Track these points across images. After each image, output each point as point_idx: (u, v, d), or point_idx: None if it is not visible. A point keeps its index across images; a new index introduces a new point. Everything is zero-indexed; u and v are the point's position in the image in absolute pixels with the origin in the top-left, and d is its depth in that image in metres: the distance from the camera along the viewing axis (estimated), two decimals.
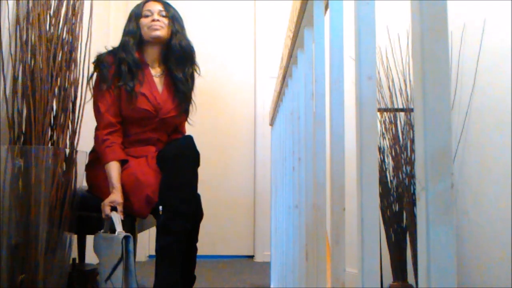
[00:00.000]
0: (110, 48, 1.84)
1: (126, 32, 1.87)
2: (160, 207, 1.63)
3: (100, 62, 1.80)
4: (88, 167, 1.85)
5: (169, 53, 1.89)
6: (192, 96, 1.96)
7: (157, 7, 1.87)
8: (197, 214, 1.78)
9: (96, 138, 1.79)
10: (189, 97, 1.94)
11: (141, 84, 1.81)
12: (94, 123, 1.85)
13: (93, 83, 1.82)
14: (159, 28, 1.83)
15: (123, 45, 1.84)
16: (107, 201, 1.63)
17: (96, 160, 1.84)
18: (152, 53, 1.90)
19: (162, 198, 1.63)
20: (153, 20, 1.83)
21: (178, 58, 1.88)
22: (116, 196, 1.65)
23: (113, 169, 1.71)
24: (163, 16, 1.86)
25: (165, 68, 1.92)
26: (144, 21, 1.85)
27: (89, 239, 2.04)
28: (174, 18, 1.88)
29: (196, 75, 1.98)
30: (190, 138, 1.74)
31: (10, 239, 1.51)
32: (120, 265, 1.53)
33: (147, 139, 1.84)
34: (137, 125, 1.84)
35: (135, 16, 1.87)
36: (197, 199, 1.77)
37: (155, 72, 1.90)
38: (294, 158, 1.02)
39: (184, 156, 1.67)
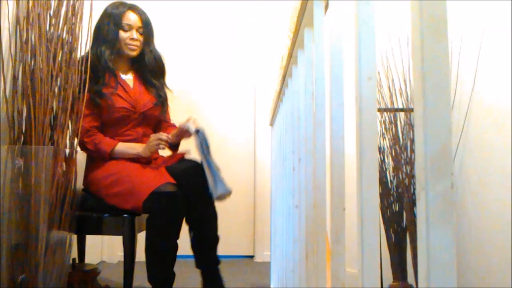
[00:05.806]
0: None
1: (103, 40, 1.87)
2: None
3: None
4: (86, 167, 1.86)
5: (141, 64, 1.97)
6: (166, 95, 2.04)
7: (137, 22, 1.91)
8: (210, 237, 1.97)
9: (81, 146, 1.83)
10: (164, 91, 2.01)
11: (113, 88, 1.86)
12: None
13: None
14: (135, 49, 1.92)
15: (99, 55, 1.85)
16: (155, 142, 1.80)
17: (93, 159, 1.85)
18: (123, 62, 1.97)
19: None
20: (132, 39, 1.89)
21: (153, 69, 1.98)
22: (147, 147, 1.82)
23: (119, 148, 1.82)
24: (141, 34, 1.93)
25: (135, 72, 1.99)
26: (122, 35, 1.89)
27: (89, 239, 2.04)
28: (149, 34, 1.95)
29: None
30: (170, 193, 1.65)
31: (10, 239, 1.51)
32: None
33: (133, 138, 1.88)
34: (119, 126, 1.87)
35: (115, 23, 1.88)
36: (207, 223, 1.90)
37: (125, 75, 1.97)
38: (294, 158, 1.02)
39: (161, 217, 1.66)
